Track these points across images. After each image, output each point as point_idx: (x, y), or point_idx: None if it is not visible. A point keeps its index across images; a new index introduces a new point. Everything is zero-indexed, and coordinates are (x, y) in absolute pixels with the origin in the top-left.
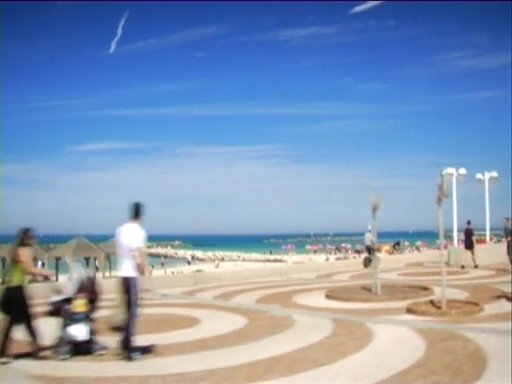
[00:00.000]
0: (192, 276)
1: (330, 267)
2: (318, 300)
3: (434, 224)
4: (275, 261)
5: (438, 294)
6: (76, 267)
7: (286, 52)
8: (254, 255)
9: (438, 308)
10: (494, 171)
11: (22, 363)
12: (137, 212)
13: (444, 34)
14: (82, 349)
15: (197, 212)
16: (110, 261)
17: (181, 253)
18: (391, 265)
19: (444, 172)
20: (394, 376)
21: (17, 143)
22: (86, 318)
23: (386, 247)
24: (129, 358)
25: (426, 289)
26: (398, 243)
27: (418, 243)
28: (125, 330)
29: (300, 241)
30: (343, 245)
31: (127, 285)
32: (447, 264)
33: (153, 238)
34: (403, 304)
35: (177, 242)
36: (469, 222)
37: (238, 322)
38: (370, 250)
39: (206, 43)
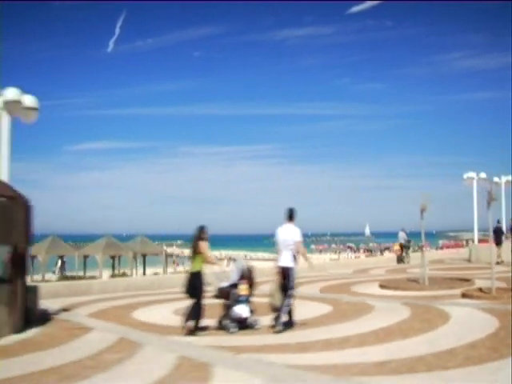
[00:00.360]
0: None
1: (362, 263)
2: (375, 290)
3: (432, 224)
4: None
5: (479, 283)
6: (238, 259)
7: (284, 52)
8: (261, 254)
9: (488, 293)
10: (510, 175)
11: (196, 338)
12: (291, 215)
13: (443, 34)
14: (244, 324)
15: (195, 211)
16: (137, 259)
17: (187, 252)
18: (418, 261)
19: (465, 176)
20: (489, 335)
21: (15, 142)
22: (247, 299)
23: (396, 246)
24: (277, 331)
25: (467, 280)
26: (409, 241)
27: (422, 243)
28: (281, 308)
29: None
30: (348, 244)
31: (286, 273)
32: (468, 260)
33: (156, 238)
34: (453, 292)
35: (179, 242)
36: (498, 221)
37: (323, 306)
38: (403, 247)
39: (204, 43)
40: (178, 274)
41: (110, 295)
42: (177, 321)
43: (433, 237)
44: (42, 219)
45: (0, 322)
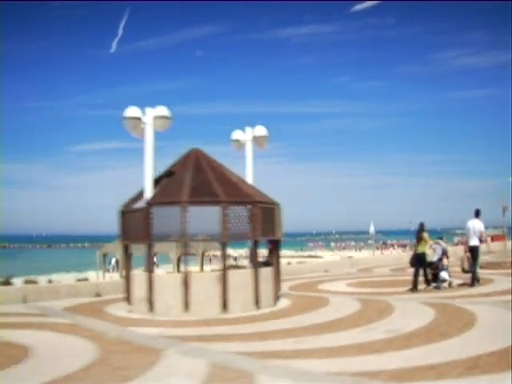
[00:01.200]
0: (348, 261)
1: None
2: None
3: (434, 221)
4: (310, 257)
5: None
6: (439, 246)
7: (284, 50)
8: (287, 252)
9: None
10: None
11: (420, 295)
12: (477, 213)
13: (442, 32)
14: (445, 284)
15: None
16: (203, 257)
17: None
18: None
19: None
20: None
21: (16, 142)
22: (447, 268)
23: (430, 242)
24: (472, 285)
25: None
26: (441, 238)
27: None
28: (471, 272)
29: (308, 239)
30: (382, 241)
31: (475, 249)
32: None
33: None
34: None
35: None
36: None
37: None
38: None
39: (206, 42)
40: (301, 265)
41: None
42: (360, 290)
43: (437, 233)
44: (42, 218)
45: (274, 293)
